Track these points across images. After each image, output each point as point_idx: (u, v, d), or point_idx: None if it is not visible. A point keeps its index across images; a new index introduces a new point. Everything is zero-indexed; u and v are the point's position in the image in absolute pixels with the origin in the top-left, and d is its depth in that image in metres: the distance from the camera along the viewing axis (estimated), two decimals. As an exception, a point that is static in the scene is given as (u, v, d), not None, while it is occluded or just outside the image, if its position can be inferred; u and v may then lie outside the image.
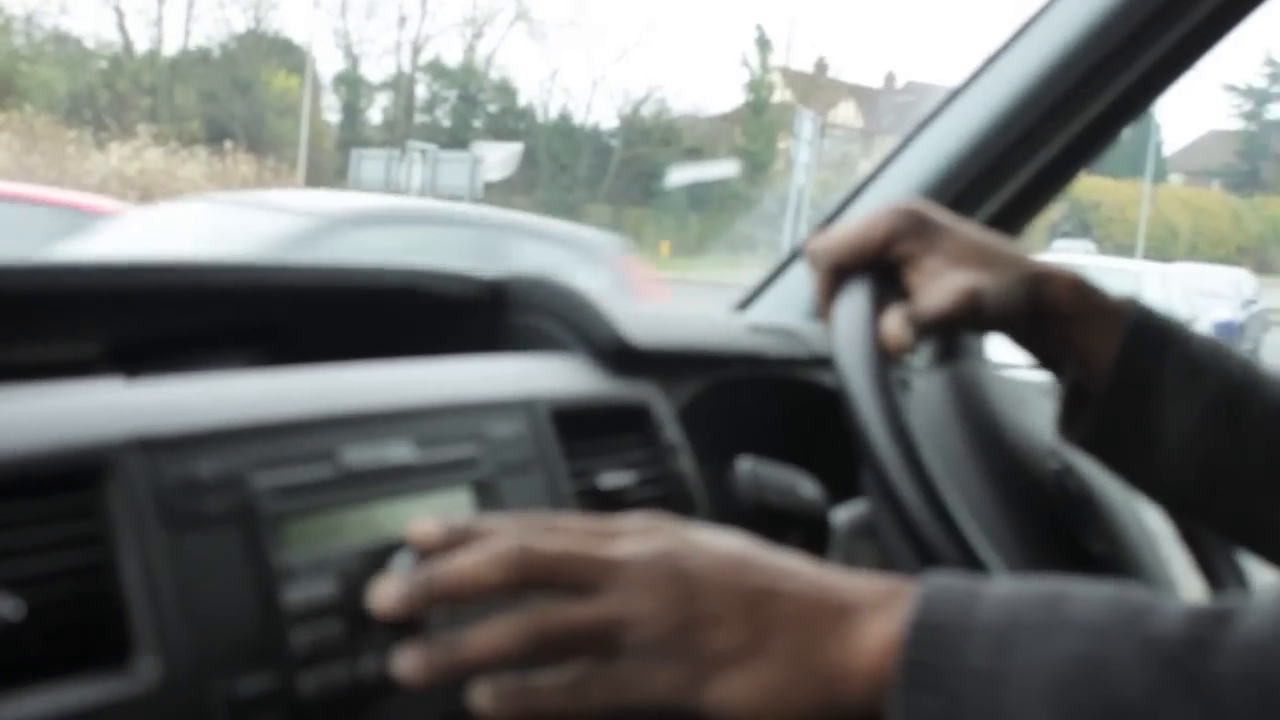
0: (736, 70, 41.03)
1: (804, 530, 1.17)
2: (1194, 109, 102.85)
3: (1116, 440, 1.14)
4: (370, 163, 28.40)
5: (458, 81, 38.51)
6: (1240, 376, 1.14)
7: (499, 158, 29.61)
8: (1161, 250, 41.48)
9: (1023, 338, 1.14)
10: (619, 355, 1.17)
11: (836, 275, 1.10)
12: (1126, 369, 1.11)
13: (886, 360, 1.03)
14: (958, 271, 1.08)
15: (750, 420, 1.36)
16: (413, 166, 26.98)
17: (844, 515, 1.26)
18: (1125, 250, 41.06)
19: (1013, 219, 1.55)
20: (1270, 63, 56.24)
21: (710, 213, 33.23)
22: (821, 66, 42.38)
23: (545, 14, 41.26)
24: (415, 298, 1.23)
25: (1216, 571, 1.36)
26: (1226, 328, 20.17)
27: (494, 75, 40.02)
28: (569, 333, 1.19)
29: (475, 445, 0.97)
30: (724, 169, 31.73)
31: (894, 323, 1.05)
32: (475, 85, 38.95)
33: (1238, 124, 57.54)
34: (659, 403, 1.18)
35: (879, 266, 1.09)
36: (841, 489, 1.28)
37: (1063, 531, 1.21)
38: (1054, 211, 41.68)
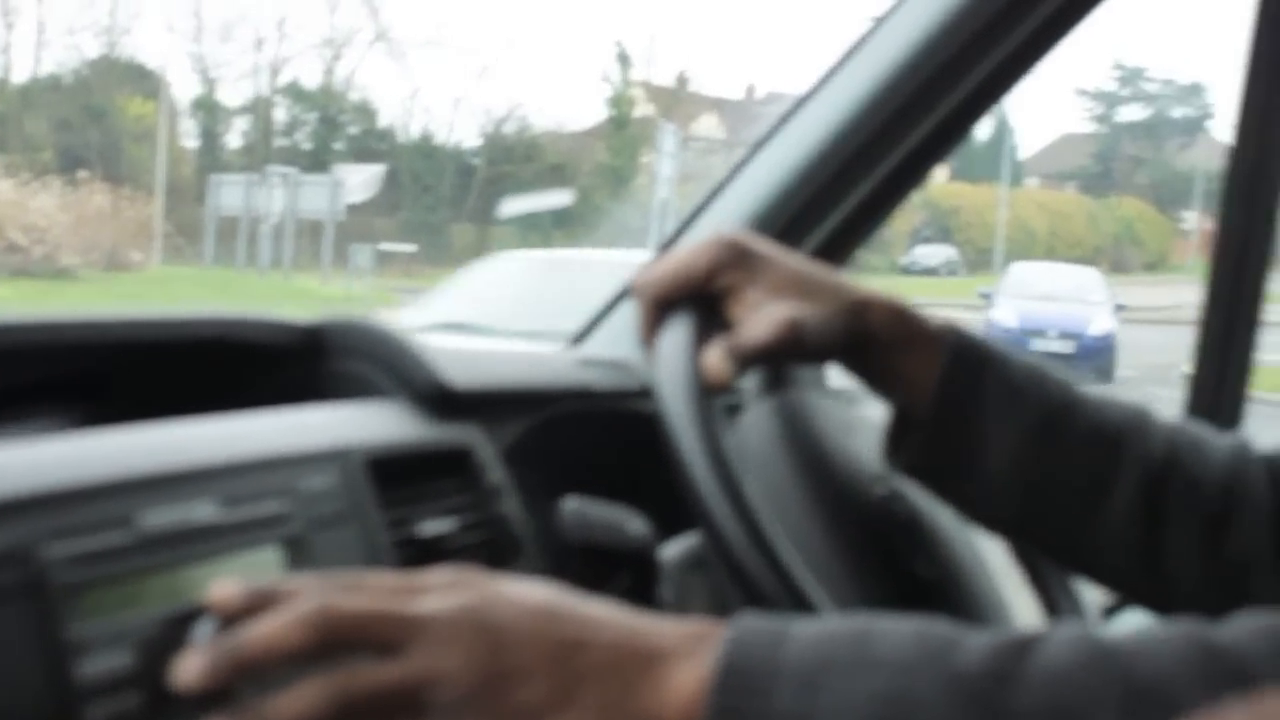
0: (598, 86, 41.00)
1: (632, 568, 1.17)
2: (1048, 113, 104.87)
3: (940, 465, 1.15)
4: (229, 188, 28.11)
5: (317, 104, 38.13)
6: (1060, 398, 1.15)
7: (361, 179, 29.42)
8: (1021, 252, 42.19)
9: (849, 366, 1.15)
10: (438, 399, 1.16)
11: (660, 308, 1.10)
12: (948, 395, 1.12)
13: (707, 393, 1.04)
14: (779, 302, 1.09)
15: (584, 455, 1.35)
16: (273, 191, 26.73)
17: (674, 550, 1.26)
18: (985, 253, 41.77)
19: (840, 247, 1.56)
20: (1120, 67, 57.59)
21: (575, 229, 33.26)
22: (683, 80, 42.53)
23: (404, 33, 41.03)
24: (232, 347, 1.20)
25: (1051, 592, 1.38)
26: (1104, 340, 19.95)
27: (354, 96, 39.67)
28: (387, 377, 1.18)
29: (284, 501, 0.95)
30: (558, 199, 31.61)
31: (714, 356, 1.05)
32: (335, 107, 38.59)
33: (1090, 127, 58.81)
34: (481, 445, 1.17)
35: (702, 298, 1.09)
36: (679, 521, 1.27)
37: (890, 558, 1.22)
38: (914, 217, 42.26)
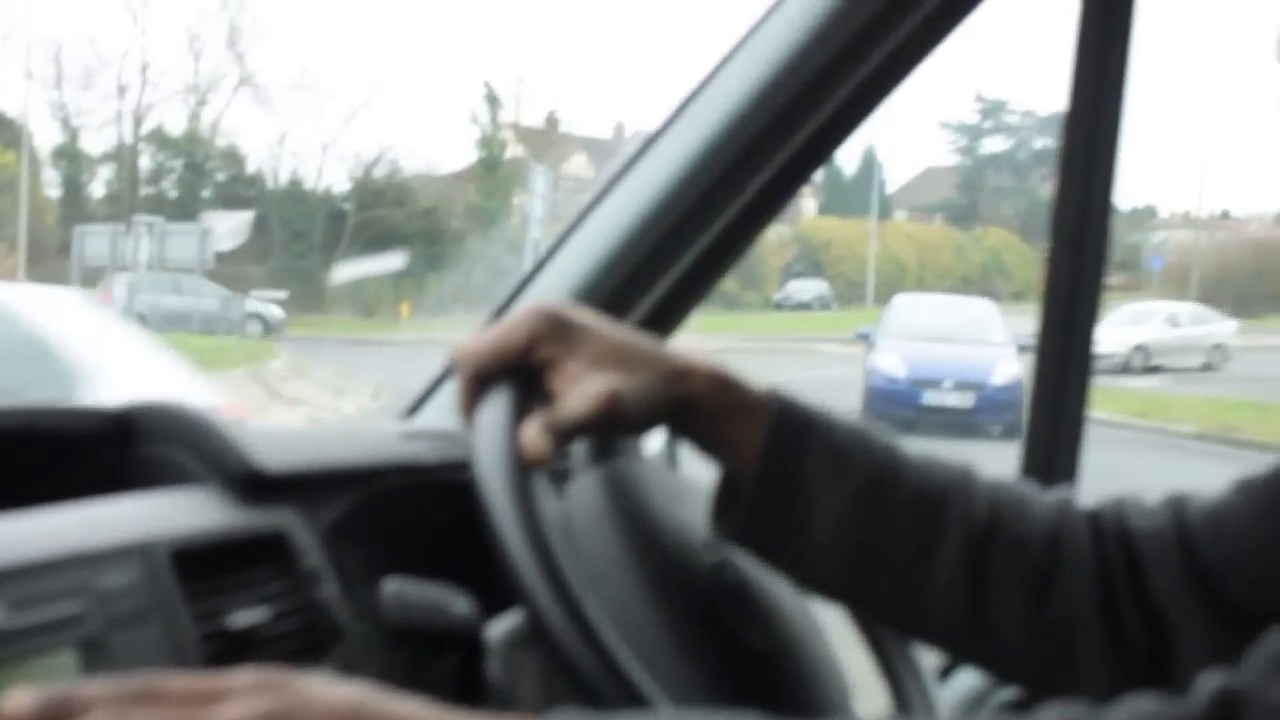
0: (467, 128, 40.98)
1: (458, 649, 1.15)
2: (913, 146, 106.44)
3: (766, 532, 1.15)
4: (95, 238, 27.66)
5: (183, 150, 37.73)
6: (884, 461, 1.16)
7: (229, 227, 29.11)
8: (892, 284, 42.74)
9: (676, 434, 1.16)
10: (251, 482, 1.13)
11: (479, 382, 1.09)
12: (772, 462, 1.12)
13: (525, 469, 1.03)
14: (598, 374, 1.09)
15: (413, 532, 1.32)
16: (139, 240, 26.32)
17: (501, 628, 1.24)
18: (857, 287, 42.26)
19: (670, 314, 1.55)
20: (981, 99, 58.61)
21: (449, 272, 33.15)
22: (552, 121, 42.69)
23: (270, 78, 40.64)
24: (38, 437, 1.17)
25: (887, 656, 1.38)
26: (1011, 390, 16.26)
27: (221, 142, 39.35)
28: (198, 462, 1.15)
29: (81, 601, 0.91)
30: (392, 262, 31.40)
31: (531, 432, 1.05)
32: (201, 154, 38.24)
33: (955, 160, 59.82)
34: (298, 529, 1.14)
35: (522, 371, 1.09)
36: (511, 596, 1.26)
37: (721, 628, 1.21)
38: (786, 252, 42.66)
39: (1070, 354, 1.58)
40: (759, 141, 1.46)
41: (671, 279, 1.50)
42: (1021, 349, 16.49)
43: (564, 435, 1.07)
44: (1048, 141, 57.02)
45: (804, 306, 40.81)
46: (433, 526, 1.34)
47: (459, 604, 1.16)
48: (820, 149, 1.52)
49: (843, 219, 46.49)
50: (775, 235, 44.14)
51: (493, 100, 40.28)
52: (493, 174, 38.28)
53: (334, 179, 39.83)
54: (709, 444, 1.15)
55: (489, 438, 1.03)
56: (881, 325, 19.24)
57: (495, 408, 1.06)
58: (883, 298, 41.36)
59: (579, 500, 1.25)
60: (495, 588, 1.21)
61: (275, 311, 28.40)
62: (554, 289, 1.48)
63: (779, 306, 41.02)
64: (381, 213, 36.87)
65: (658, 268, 1.49)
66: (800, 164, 1.52)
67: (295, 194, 38.19)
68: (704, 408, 1.13)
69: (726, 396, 1.13)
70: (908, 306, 20.65)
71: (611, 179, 1.52)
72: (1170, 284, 45.90)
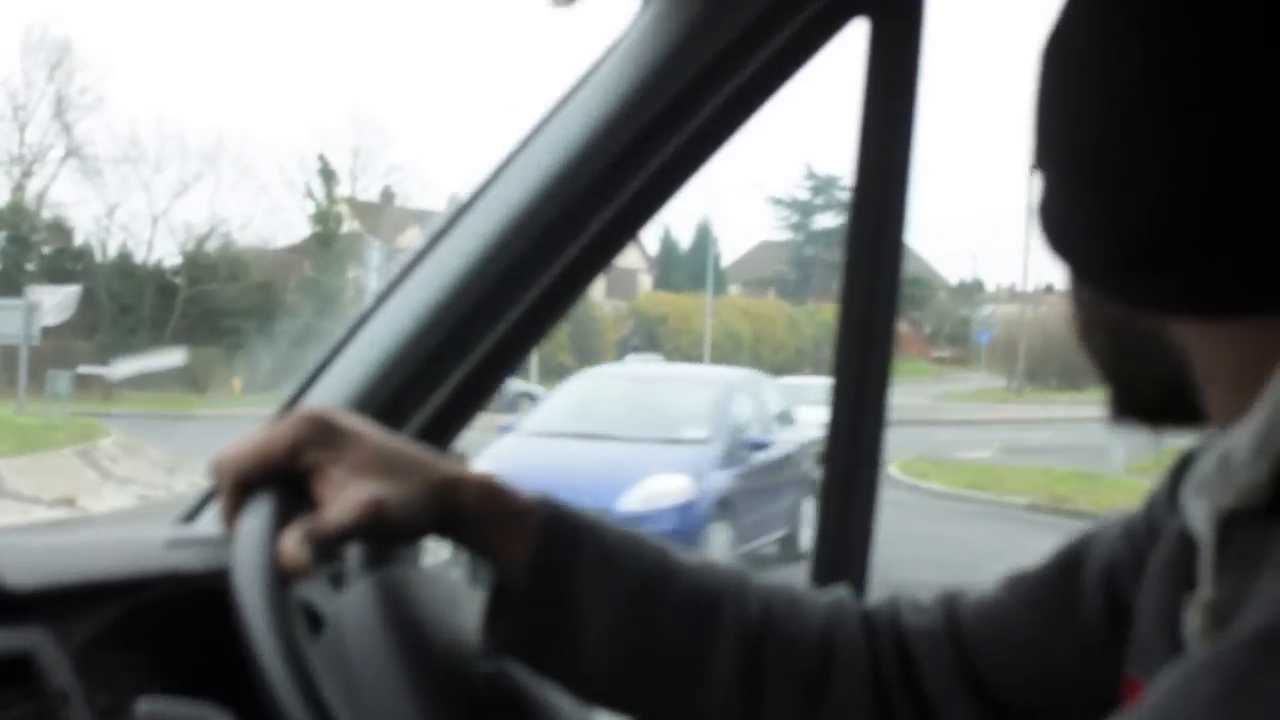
0: (302, 202, 40.65)
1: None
2: (746, 221, 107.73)
3: (537, 642, 1.15)
4: (-86, 312, 26.77)
5: (6, 223, 36.84)
6: (656, 567, 1.16)
7: (56, 301, 28.43)
8: (727, 358, 43.08)
9: (447, 541, 1.14)
10: (-4, 603, 1.09)
11: (240, 488, 1.07)
12: (541, 569, 1.12)
13: (284, 580, 1.01)
14: (363, 481, 1.07)
15: (179, 644, 1.28)
16: (-39, 316, 25.57)
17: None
18: (693, 360, 42.50)
19: (447, 425, 1.52)
20: (811, 175, 59.68)
21: (282, 348, 32.72)
22: (388, 195, 42.49)
23: (99, 150, 39.85)
24: None
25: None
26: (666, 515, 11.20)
27: (47, 214, 38.48)
28: (-60, 584, 1.10)
29: None
30: (173, 358, 30.81)
31: (291, 542, 1.03)
32: (26, 226, 37.33)
33: (787, 235, 60.68)
34: (47, 648, 1.10)
35: (286, 478, 1.07)
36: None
37: None
38: (623, 326, 42.83)
39: (859, 439, 1.58)
40: (544, 240, 1.45)
41: (450, 386, 1.48)
42: (755, 446, 12.65)
43: (325, 544, 1.05)
44: (878, 217, 58.08)
45: (640, 380, 40.77)
46: (200, 638, 1.30)
47: (215, 720, 1.13)
48: (606, 249, 1.51)
49: (678, 293, 46.87)
50: (612, 309, 44.37)
51: (328, 175, 40.03)
52: (328, 248, 37.98)
53: (165, 252, 39.03)
54: (480, 552, 1.15)
55: (247, 547, 1.02)
56: (545, 407, 14.14)
57: (255, 516, 1.04)
58: (719, 371, 41.70)
59: (350, 608, 1.23)
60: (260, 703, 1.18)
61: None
62: (332, 393, 1.45)
63: (616, 381, 40.95)
64: (214, 287, 36.36)
65: (436, 374, 1.46)
66: (585, 265, 1.50)
67: (124, 268, 37.49)
68: (472, 517, 1.12)
69: (495, 505, 1.13)
70: (595, 381, 15.04)
71: (393, 280, 1.49)
72: (998, 357, 46.95)
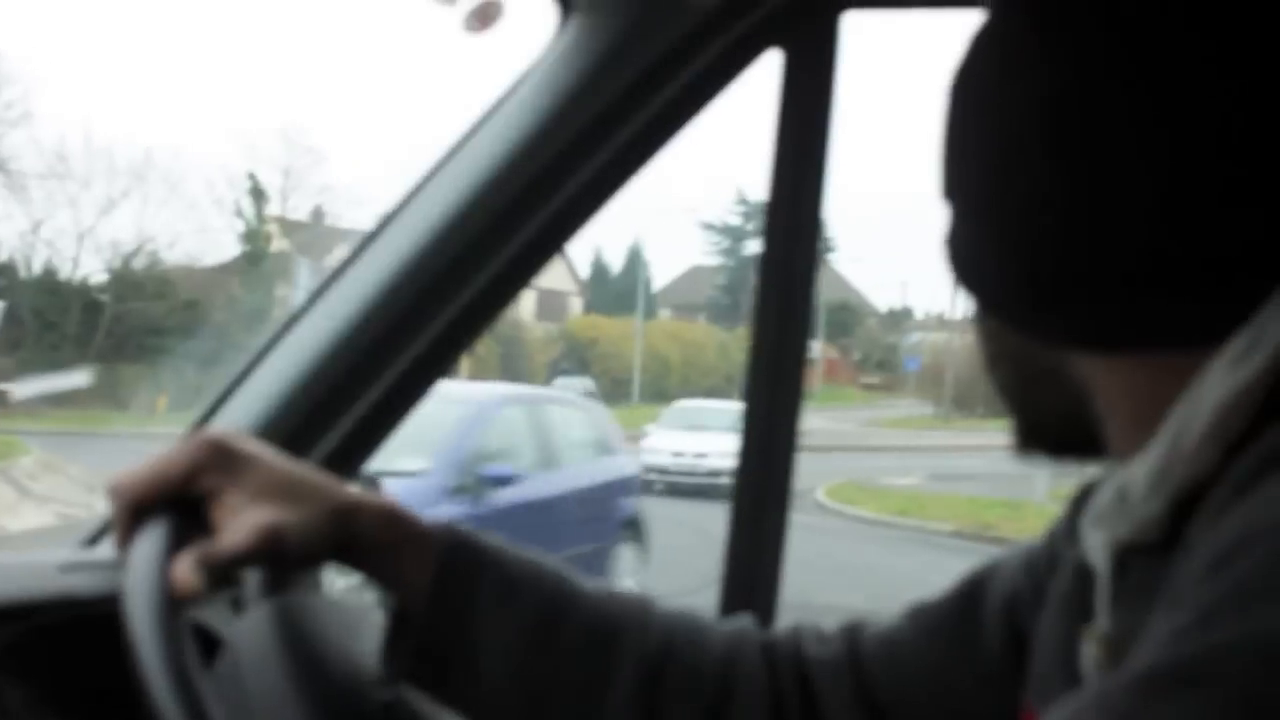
0: (231, 220, 40.36)
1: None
2: (677, 245, 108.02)
3: (436, 668, 1.14)
4: None
5: (-72, 238, 36.39)
6: (556, 596, 1.16)
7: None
8: (657, 382, 43.14)
9: (347, 568, 1.13)
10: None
11: (136, 512, 1.06)
12: (441, 597, 1.12)
13: (176, 606, 0.99)
14: (260, 507, 1.06)
15: (78, 668, 1.26)
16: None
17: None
18: (623, 384, 42.52)
19: (353, 453, 1.50)
20: (743, 201, 59.95)
21: (209, 366, 32.47)
22: (318, 214, 42.24)
23: (24, 165, 39.42)
24: None
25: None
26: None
27: (-29, 231, 38.02)
28: None
29: None
30: (76, 379, 30.41)
31: (183, 566, 1.01)
32: (-51, 242, 36.90)
33: (717, 260, 60.88)
34: None
35: (182, 502, 1.06)
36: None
37: None
38: (553, 349, 42.78)
39: (770, 466, 1.58)
40: (458, 264, 1.44)
41: (362, 409, 1.46)
42: (496, 480, 9.87)
43: (219, 569, 1.04)
44: (808, 244, 58.37)
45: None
46: (93, 664, 1.28)
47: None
48: (521, 273, 1.50)
49: (608, 317, 46.87)
50: (543, 331, 44.29)
51: (258, 193, 39.77)
52: (257, 267, 37.74)
53: (91, 269, 38.62)
54: (381, 580, 1.14)
55: (139, 572, 1.00)
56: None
57: (148, 541, 1.03)
58: (648, 395, 41.76)
59: (248, 633, 1.21)
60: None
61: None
62: (238, 417, 1.43)
63: (545, 403, 40.83)
64: (140, 305, 36.01)
65: (345, 398, 1.45)
66: (500, 289, 1.49)
67: (49, 284, 37.05)
68: (372, 544, 1.12)
69: (395, 532, 1.12)
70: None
71: (304, 304, 1.48)
72: (926, 384, 47.24)
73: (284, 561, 1.10)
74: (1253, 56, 0.80)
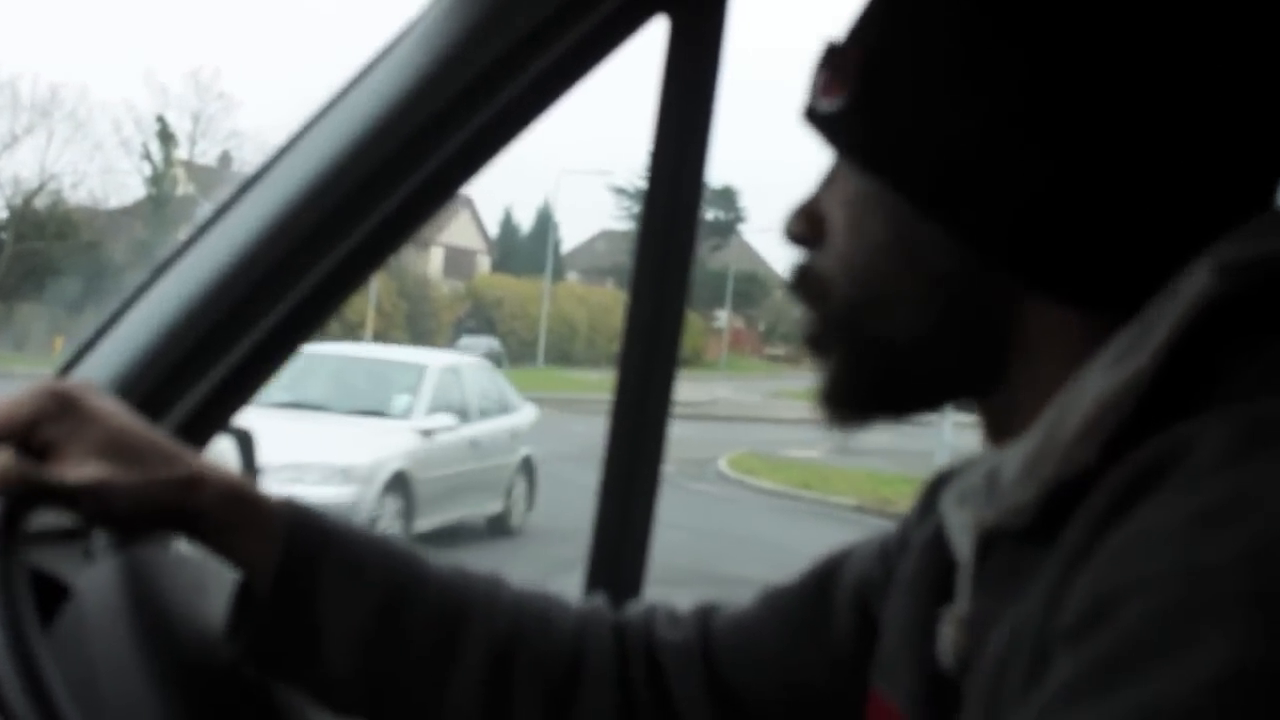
0: (138, 164, 39.83)
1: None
2: (587, 209, 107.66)
3: (279, 648, 1.12)
4: None
5: None
6: (403, 576, 1.15)
7: None
8: (563, 344, 43.09)
9: (188, 539, 1.12)
10: None
11: None
12: (284, 579, 1.10)
13: (11, 552, 0.99)
14: (95, 463, 1.04)
15: None
16: None
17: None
18: (529, 345, 42.41)
19: (217, 410, 1.47)
20: (655, 167, 59.74)
21: (107, 308, 32.01)
22: (226, 160, 41.78)
23: (-74, 98, 38.63)
24: None
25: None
26: None
27: None
28: None
29: None
30: None
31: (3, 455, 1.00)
32: None
33: (627, 225, 60.81)
34: None
35: (22, 450, 1.03)
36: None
37: None
38: (459, 307, 42.59)
39: (641, 441, 1.57)
40: (327, 222, 1.41)
41: (223, 372, 1.43)
42: None
43: (35, 489, 1.03)
44: (719, 213, 58.51)
45: (474, 363, 40.58)
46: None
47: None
48: (392, 236, 1.48)
49: (516, 277, 46.76)
50: (450, 289, 44.06)
51: (167, 137, 39.27)
52: (161, 211, 37.26)
53: (-10, 205, 37.95)
54: (223, 555, 1.12)
55: None
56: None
57: None
58: (553, 358, 41.70)
59: (96, 584, 1.19)
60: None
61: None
62: (99, 368, 1.40)
63: (450, 361, 40.69)
64: (41, 245, 35.43)
65: (209, 355, 1.41)
66: (370, 251, 1.47)
67: (-54, 219, 36.42)
68: (212, 519, 1.09)
69: (238, 509, 1.10)
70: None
71: (172, 253, 1.44)
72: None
73: (112, 522, 1.08)
74: (1152, 60, 0.80)
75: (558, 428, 19.19)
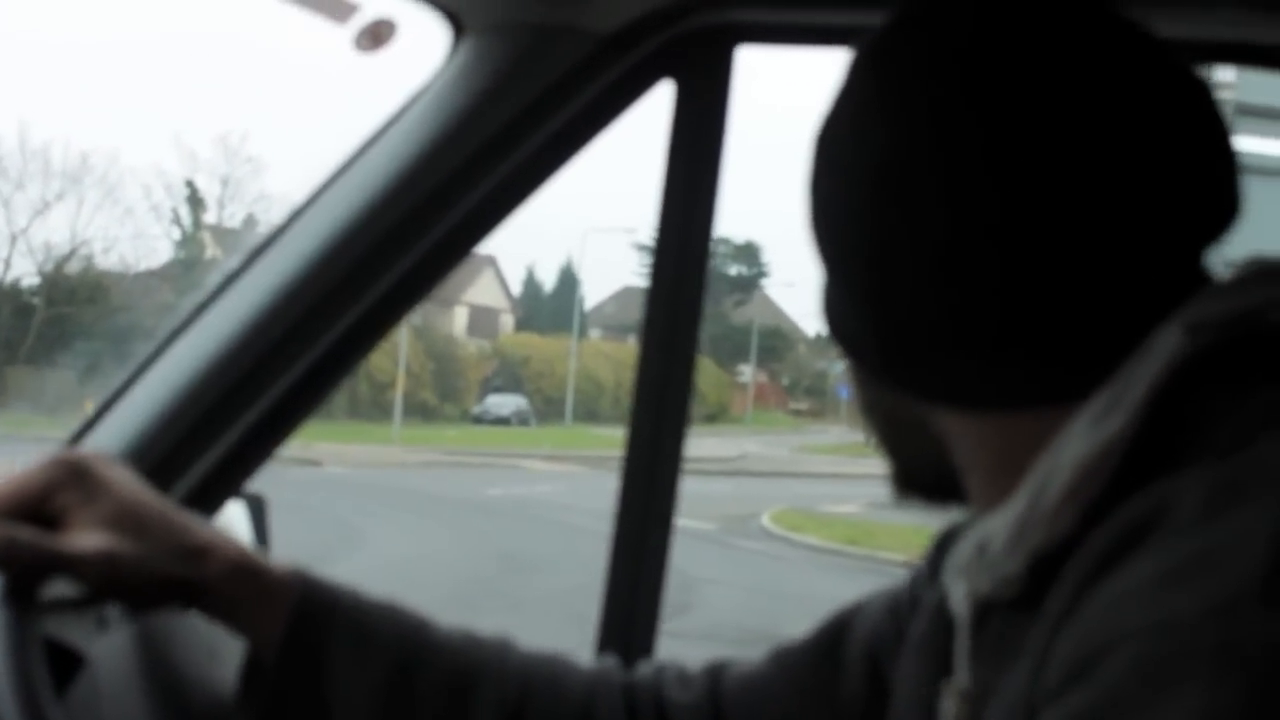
0: (167, 228, 40.18)
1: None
2: (608, 266, 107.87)
3: (288, 716, 1.11)
4: None
5: None
6: (413, 641, 1.15)
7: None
8: (590, 402, 43.13)
9: (196, 610, 1.12)
10: None
11: None
12: (292, 652, 1.10)
13: (28, 624, 0.99)
14: (104, 534, 1.04)
15: None
16: None
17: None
18: (555, 403, 42.46)
19: (229, 476, 1.46)
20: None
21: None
22: (251, 222, 42.05)
23: (-44, 164, 38.96)
24: None
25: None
26: None
27: (-101, 229, 37.54)
28: None
29: None
30: None
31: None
32: (-123, 238, 36.38)
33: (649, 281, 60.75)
34: None
35: (35, 520, 1.04)
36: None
37: None
38: (486, 366, 42.67)
39: (652, 499, 1.58)
40: (339, 287, 1.42)
41: (235, 437, 1.43)
42: None
43: (44, 559, 1.02)
44: (741, 269, 58.60)
45: (503, 421, 40.76)
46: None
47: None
48: (404, 299, 1.48)
49: (541, 335, 46.88)
50: (476, 348, 44.17)
51: (196, 201, 39.62)
52: (190, 273, 37.52)
53: (23, 272, 38.18)
54: (231, 627, 1.12)
55: None
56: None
57: None
58: (579, 415, 41.74)
59: (109, 653, 1.20)
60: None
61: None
62: (110, 437, 1.39)
63: (478, 420, 40.87)
64: (72, 310, 35.68)
65: (219, 425, 1.41)
66: (382, 314, 1.47)
67: (-22, 286, 36.69)
68: (220, 592, 1.10)
69: (245, 582, 1.10)
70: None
71: (182, 320, 1.45)
72: (856, 412, 47.37)
73: (118, 593, 1.09)
74: (1078, 128, 0.82)
75: (591, 484, 19.27)
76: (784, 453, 38.62)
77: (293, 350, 1.42)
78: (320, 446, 28.13)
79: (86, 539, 1.03)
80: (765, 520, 20.49)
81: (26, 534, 1.02)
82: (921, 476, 1.00)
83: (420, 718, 1.13)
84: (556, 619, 11.25)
